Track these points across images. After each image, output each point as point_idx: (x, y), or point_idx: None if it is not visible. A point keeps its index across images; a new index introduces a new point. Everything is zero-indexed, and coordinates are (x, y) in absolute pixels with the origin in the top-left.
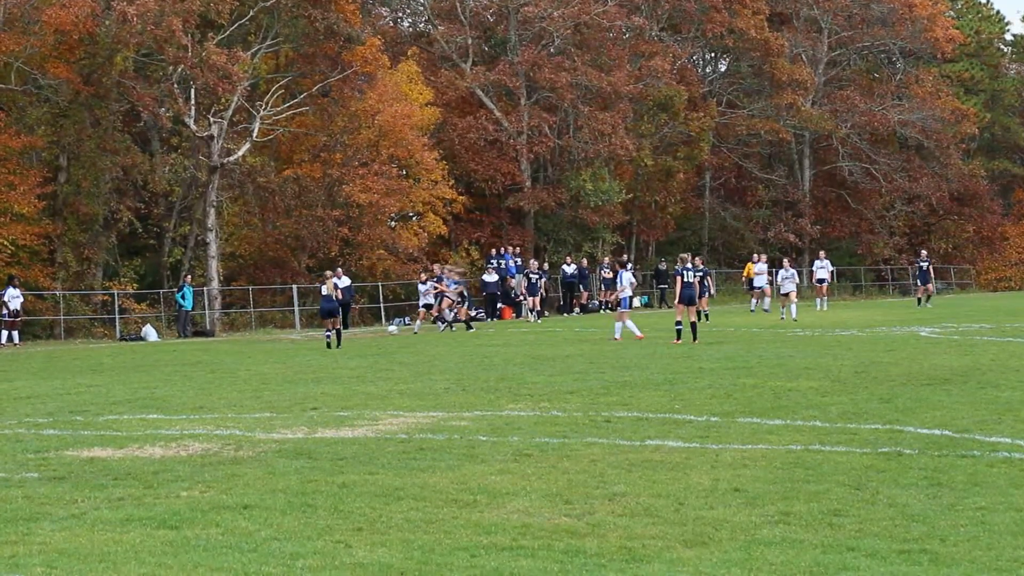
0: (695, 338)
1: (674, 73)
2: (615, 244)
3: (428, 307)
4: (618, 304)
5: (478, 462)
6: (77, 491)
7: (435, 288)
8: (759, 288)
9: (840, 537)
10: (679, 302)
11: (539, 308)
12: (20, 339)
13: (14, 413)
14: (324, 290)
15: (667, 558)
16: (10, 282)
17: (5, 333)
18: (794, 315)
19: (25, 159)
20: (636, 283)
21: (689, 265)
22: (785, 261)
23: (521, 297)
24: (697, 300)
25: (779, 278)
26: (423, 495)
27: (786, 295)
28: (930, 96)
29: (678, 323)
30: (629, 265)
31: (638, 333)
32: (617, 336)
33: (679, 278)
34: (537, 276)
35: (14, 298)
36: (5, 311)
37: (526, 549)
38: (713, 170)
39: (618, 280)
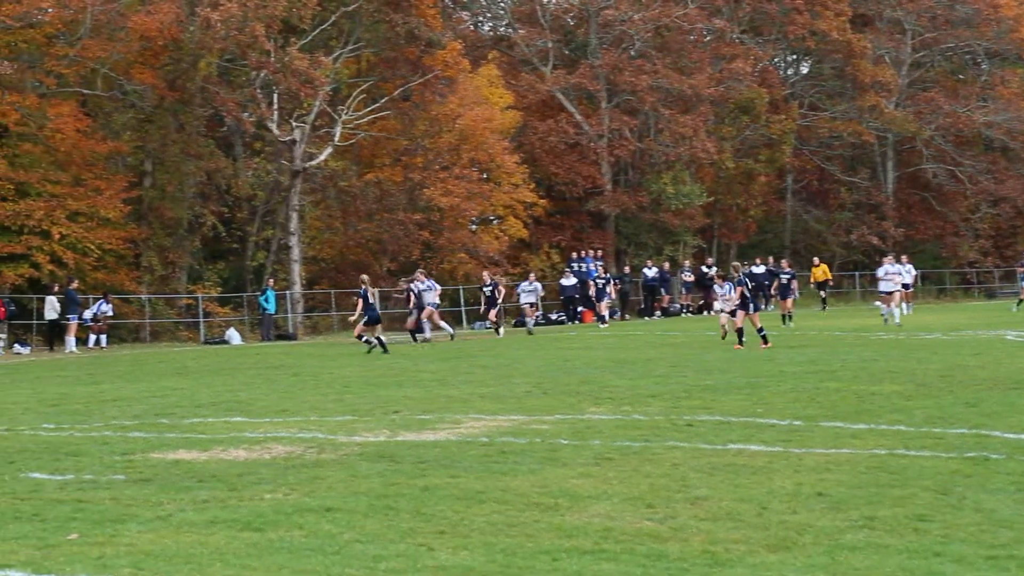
0: (741, 343)
1: (755, 75)
2: (696, 247)
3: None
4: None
5: (560, 465)
6: (163, 493)
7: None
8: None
9: (926, 542)
10: (742, 309)
11: (604, 313)
12: (107, 342)
13: (101, 416)
14: (370, 297)
15: (750, 563)
16: (104, 297)
17: (92, 337)
18: (896, 319)
19: (111, 164)
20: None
21: (744, 272)
22: (888, 258)
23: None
24: (784, 302)
25: (882, 273)
26: (505, 498)
27: (889, 295)
28: (1016, 97)
29: (761, 329)
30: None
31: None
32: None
33: (742, 288)
34: (604, 281)
35: (103, 313)
36: (88, 315)
37: (608, 553)
38: (795, 172)
39: (727, 290)
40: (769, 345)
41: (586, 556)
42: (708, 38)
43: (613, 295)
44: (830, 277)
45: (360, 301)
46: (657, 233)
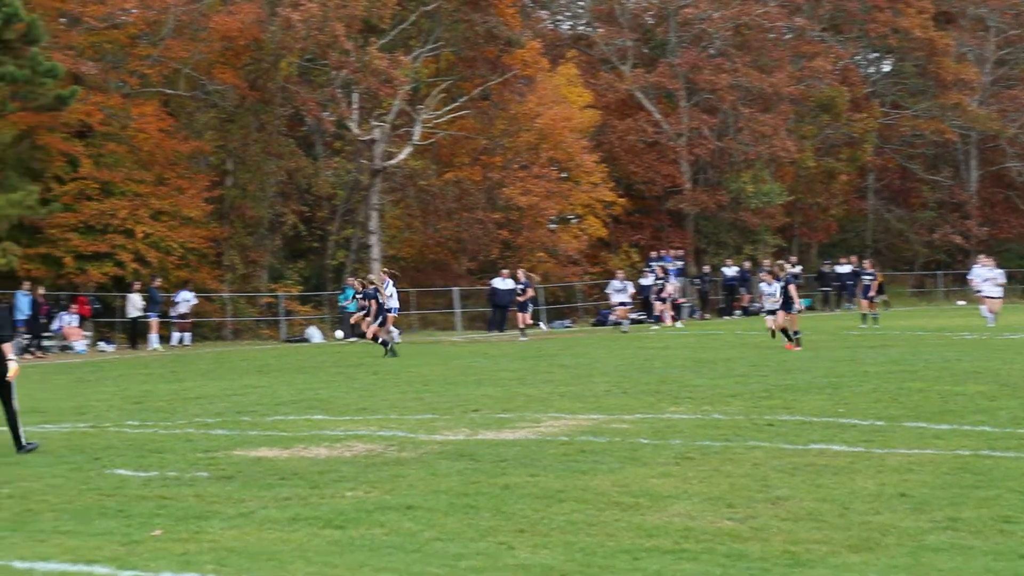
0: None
1: (836, 73)
2: (776, 246)
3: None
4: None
5: (640, 465)
6: (245, 490)
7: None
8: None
9: (1012, 544)
10: (783, 309)
11: (658, 314)
12: (191, 340)
13: (184, 413)
14: (379, 298)
15: (832, 563)
16: (184, 286)
17: (176, 335)
18: (990, 322)
19: (193, 163)
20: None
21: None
22: (982, 258)
23: (683, 300)
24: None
25: (979, 277)
26: (585, 497)
27: (993, 299)
28: None
29: (796, 332)
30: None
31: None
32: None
33: (793, 287)
34: (661, 282)
35: (185, 301)
36: (174, 312)
37: (688, 552)
38: (876, 171)
39: (774, 289)
40: (798, 348)
41: (666, 555)
42: (788, 36)
43: (671, 295)
44: (882, 280)
45: (373, 303)
46: (737, 232)
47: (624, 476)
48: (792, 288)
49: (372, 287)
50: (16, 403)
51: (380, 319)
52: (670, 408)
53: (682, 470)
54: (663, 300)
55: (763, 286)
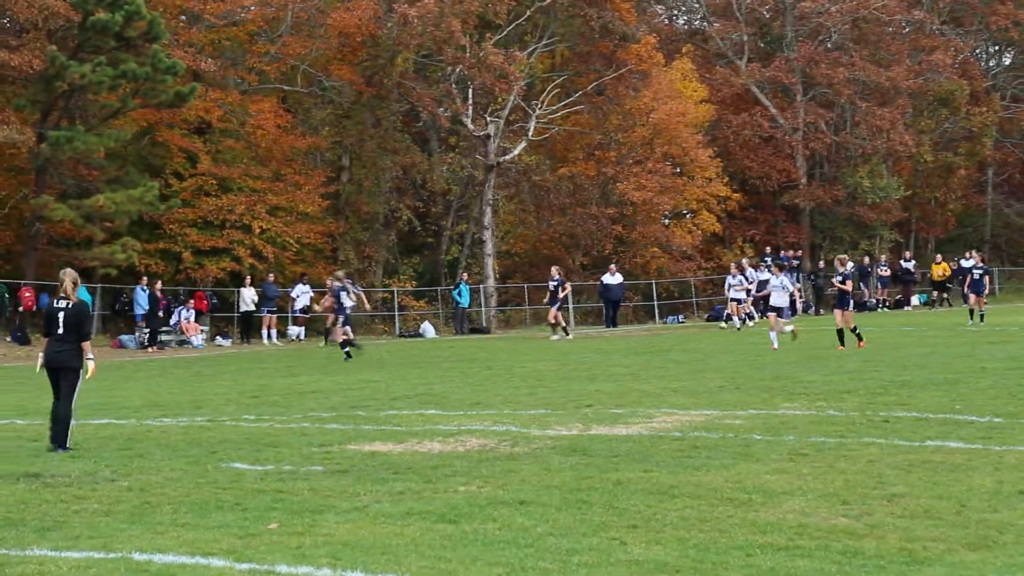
0: (843, 344)
1: (955, 67)
2: (893, 241)
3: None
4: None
5: (753, 461)
6: (359, 484)
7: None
8: None
9: None
10: (840, 308)
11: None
12: (306, 335)
13: (299, 407)
14: (343, 297)
15: (949, 561)
16: (301, 279)
17: (294, 329)
18: None
19: (310, 159)
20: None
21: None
22: None
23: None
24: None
25: None
26: (698, 493)
27: None
28: None
29: (842, 330)
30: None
31: (775, 344)
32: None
33: (850, 282)
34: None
35: (303, 294)
36: (295, 307)
37: (803, 549)
38: (996, 166)
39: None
40: (863, 345)
41: (780, 552)
42: (907, 29)
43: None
44: (949, 274)
45: (332, 300)
46: (853, 227)
47: (737, 472)
48: (848, 284)
49: (339, 285)
50: (75, 403)
51: (343, 320)
52: (784, 404)
53: (796, 466)
54: (738, 301)
55: (773, 280)
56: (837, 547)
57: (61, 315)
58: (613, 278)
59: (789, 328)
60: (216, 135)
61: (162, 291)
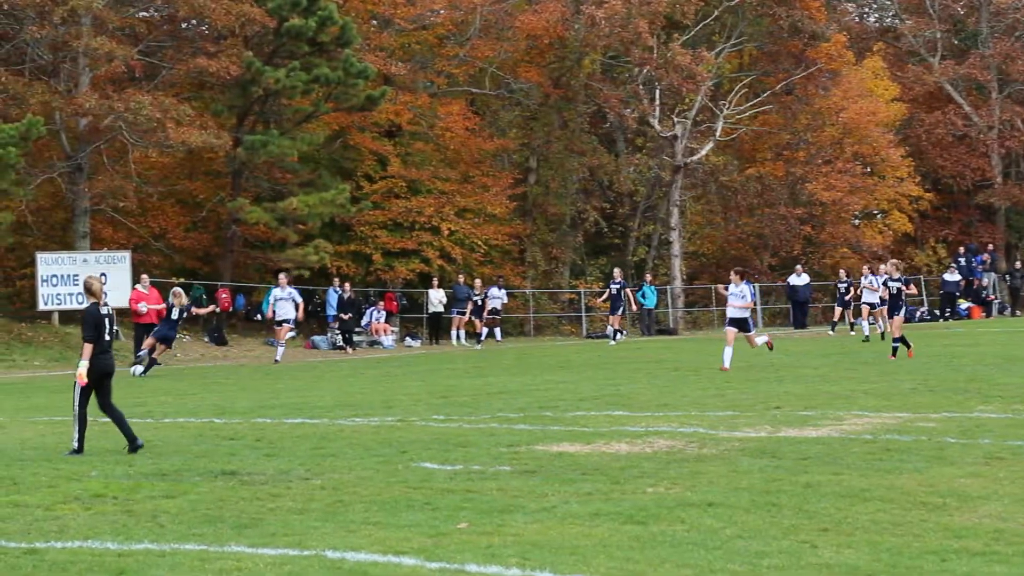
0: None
1: None
2: None
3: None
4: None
5: (947, 464)
6: (547, 485)
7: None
8: None
9: None
10: (896, 314)
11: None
12: (501, 336)
13: (488, 408)
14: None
15: None
16: (495, 283)
17: (485, 330)
18: None
19: (497, 161)
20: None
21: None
22: None
23: (994, 297)
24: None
25: None
26: (890, 496)
27: None
28: None
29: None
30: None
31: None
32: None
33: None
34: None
35: (495, 298)
36: (486, 312)
37: (999, 555)
38: None
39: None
40: (894, 358)
41: (976, 558)
42: None
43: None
44: None
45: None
46: None
47: (931, 476)
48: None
49: (287, 288)
50: (80, 408)
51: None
52: (979, 407)
53: (992, 470)
54: (846, 304)
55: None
56: None
57: (107, 321)
58: (800, 279)
59: (762, 339)
60: (406, 138)
61: (353, 292)
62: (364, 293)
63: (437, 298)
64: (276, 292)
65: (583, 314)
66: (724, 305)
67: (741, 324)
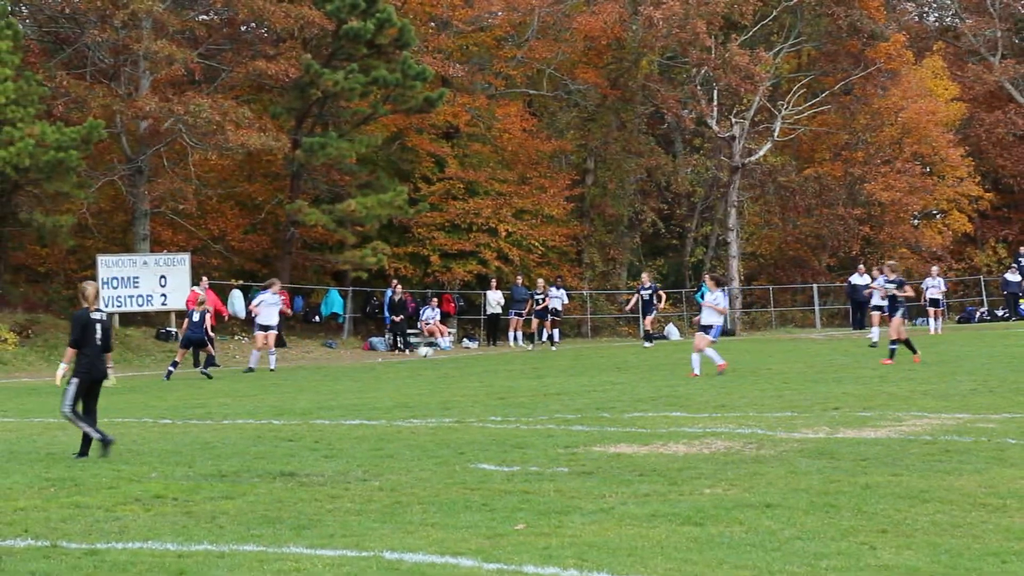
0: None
1: None
2: None
3: None
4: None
5: (1007, 466)
6: (604, 486)
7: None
8: None
9: None
10: (894, 316)
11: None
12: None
13: (545, 409)
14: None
15: None
16: (554, 283)
17: (545, 332)
18: None
19: (555, 162)
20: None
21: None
22: None
23: None
24: None
25: None
26: (949, 498)
27: None
28: None
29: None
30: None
31: (719, 360)
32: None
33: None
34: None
35: (555, 298)
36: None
37: None
38: None
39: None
40: (891, 362)
41: None
42: None
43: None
44: None
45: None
46: None
47: (991, 477)
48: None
49: (272, 289)
50: (71, 411)
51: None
52: None
53: None
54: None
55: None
56: None
57: (98, 326)
58: (862, 279)
59: (719, 360)
60: (463, 139)
61: (409, 293)
62: (422, 294)
63: (495, 299)
64: (267, 297)
65: (640, 315)
66: (794, 306)
67: (707, 329)
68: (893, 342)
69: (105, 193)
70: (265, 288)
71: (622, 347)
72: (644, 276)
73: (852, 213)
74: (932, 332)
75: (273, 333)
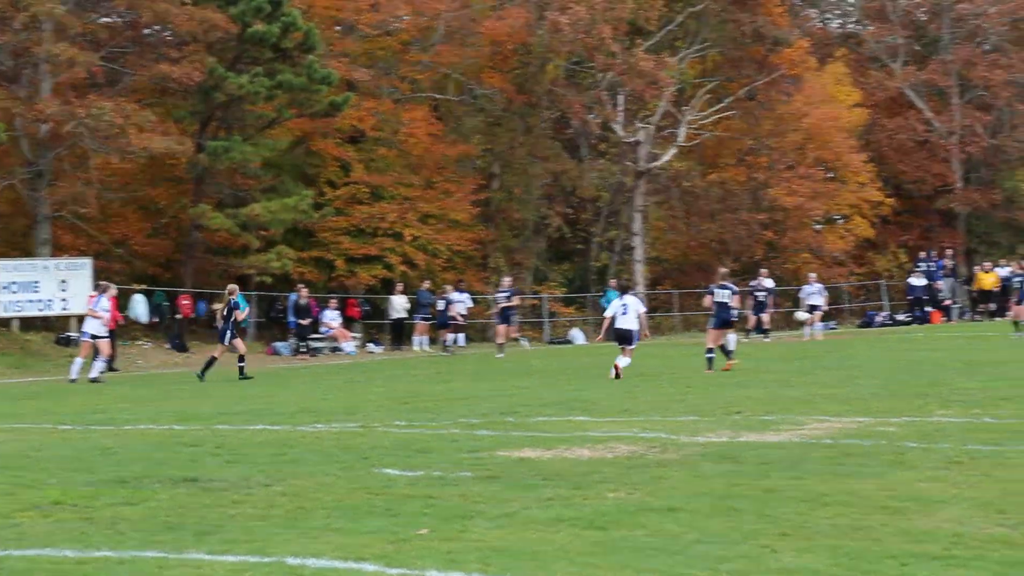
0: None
1: None
2: None
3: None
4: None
5: (907, 469)
6: (508, 490)
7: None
8: None
9: None
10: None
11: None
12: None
13: (450, 414)
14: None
15: None
16: (456, 286)
17: (450, 336)
18: None
19: (461, 167)
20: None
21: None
22: None
23: (952, 301)
24: None
25: None
26: (850, 501)
27: None
28: None
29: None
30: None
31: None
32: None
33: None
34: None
35: (458, 302)
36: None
37: (958, 559)
38: None
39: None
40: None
41: (935, 562)
42: None
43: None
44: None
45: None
46: (1011, 231)
47: (891, 480)
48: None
49: (233, 299)
50: None
51: (233, 336)
52: (938, 411)
53: (951, 475)
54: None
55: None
56: (995, 557)
57: None
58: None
59: (625, 361)
60: (369, 144)
61: (314, 298)
62: (326, 299)
63: (400, 304)
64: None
65: (545, 319)
66: (699, 311)
67: (625, 337)
68: (710, 350)
69: (5, 197)
70: (101, 293)
71: (527, 351)
72: (505, 280)
73: (755, 218)
74: (806, 338)
75: (103, 341)
